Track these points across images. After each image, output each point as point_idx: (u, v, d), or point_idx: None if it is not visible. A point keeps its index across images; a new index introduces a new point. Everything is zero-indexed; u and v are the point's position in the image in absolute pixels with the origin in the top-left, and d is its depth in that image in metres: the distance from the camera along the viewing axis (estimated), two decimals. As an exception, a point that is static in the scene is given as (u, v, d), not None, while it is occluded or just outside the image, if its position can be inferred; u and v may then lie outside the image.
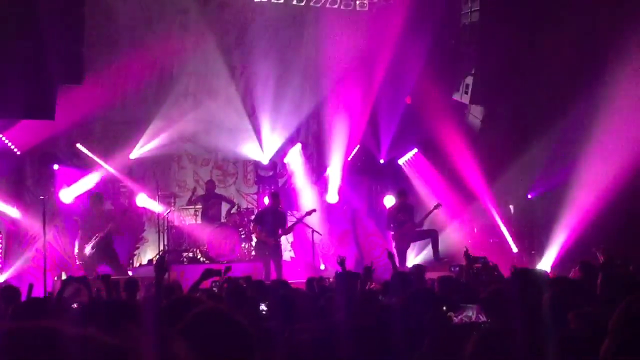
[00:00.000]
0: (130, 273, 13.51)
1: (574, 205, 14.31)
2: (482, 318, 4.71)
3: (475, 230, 15.85)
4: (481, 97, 15.66)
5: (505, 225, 15.66)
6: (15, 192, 14.17)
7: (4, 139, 13.62)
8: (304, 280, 10.12)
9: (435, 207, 14.75)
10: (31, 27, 12.68)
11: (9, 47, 12.66)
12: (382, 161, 16.97)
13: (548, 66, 14.77)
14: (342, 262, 9.73)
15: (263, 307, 6.64)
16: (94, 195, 13.87)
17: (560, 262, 13.92)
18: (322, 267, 15.44)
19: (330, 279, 11.10)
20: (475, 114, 15.97)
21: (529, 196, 15.84)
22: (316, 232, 15.40)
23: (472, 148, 15.55)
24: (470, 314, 4.80)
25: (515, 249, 15.45)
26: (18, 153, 14.00)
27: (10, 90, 12.78)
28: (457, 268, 11.40)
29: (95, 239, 13.22)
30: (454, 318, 4.73)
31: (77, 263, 13.44)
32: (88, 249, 13.24)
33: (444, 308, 4.63)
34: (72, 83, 13.69)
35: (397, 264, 13.49)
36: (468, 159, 15.56)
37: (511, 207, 15.89)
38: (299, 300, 6.43)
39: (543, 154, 15.14)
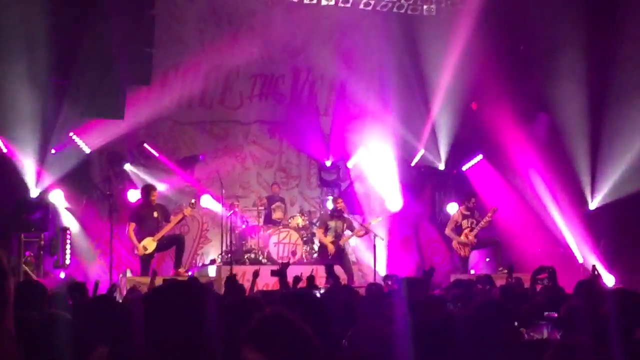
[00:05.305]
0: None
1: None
2: (557, 335, 4.57)
3: (541, 239, 15.53)
4: (549, 104, 15.39)
5: (572, 235, 15.32)
6: (84, 189, 14.40)
7: (74, 137, 13.89)
8: (365, 286, 10.08)
9: (493, 212, 14.44)
10: (102, 29, 12.97)
11: (80, 48, 12.98)
12: (445, 167, 16.77)
13: (619, 74, 14.45)
14: (430, 273, 9.42)
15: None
16: (146, 186, 13.18)
17: (629, 274, 13.58)
18: (384, 272, 15.34)
19: (388, 283, 11.03)
20: (543, 120, 15.69)
21: (596, 205, 15.49)
22: (379, 237, 15.35)
23: (538, 155, 15.28)
24: (544, 330, 4.67)
25: (581, 259, 15.12)
26: (87, 151, 14.27)
27: (82, 90, 13.10)
28: (513, 280, 11.18)
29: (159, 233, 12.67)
30: (525, 334, 4.61)
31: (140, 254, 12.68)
32: (150, 242, 12.56)
33: (516, 323, 4.51)
34: (141, 84, 13.96)
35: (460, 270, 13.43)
36: (534, 167, 15.30)
37: (578, 216, 15.54)
38: (359, 305, 6.40)
39: (612, 162, 14.81)
